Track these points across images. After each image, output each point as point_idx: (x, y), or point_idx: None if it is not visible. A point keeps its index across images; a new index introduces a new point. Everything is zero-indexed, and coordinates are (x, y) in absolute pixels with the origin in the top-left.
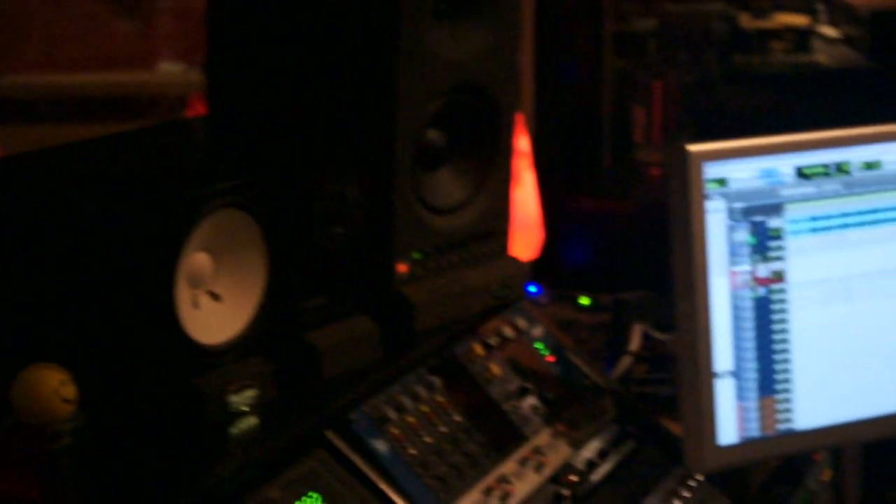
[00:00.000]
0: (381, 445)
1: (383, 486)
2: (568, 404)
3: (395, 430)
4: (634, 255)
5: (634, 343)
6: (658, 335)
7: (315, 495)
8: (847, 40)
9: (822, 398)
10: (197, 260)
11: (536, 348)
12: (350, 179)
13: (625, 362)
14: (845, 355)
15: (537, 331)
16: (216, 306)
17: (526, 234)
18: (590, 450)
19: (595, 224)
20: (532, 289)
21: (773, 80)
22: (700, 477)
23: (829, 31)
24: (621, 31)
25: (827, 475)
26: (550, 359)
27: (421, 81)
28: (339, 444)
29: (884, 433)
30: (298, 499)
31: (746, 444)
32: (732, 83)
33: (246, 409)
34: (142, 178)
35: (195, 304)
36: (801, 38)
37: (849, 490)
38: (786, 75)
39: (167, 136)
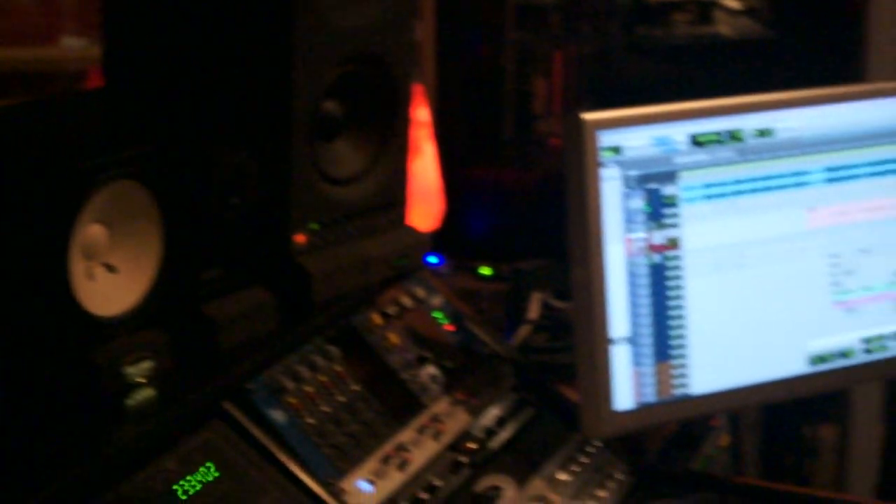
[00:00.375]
0: (278, 415)
1: (281, 456)
2: (467, 373)
3: (292, 400)
4: (535, 224)
5: (533, 311)
6: (557, 303)
7: (212, 466)
8: (749, 12)
9: (717, 363)
10: (91, 231)
11: (435, 317)
12: (247, 150)
13: (523, 331)
14: (739, 321)
15: (436, 300)
16: (112, 278)
17: (426, 205)
18: (488, 417)
19: (496, 194)
20: (433, 259)
21: (674, 51)
22: (597, 443)
23: (731, 2)
24: (524, 3)
25: (725, 440)
26: (449, 328)
27: (317, 51)
28: (237, 414)
29: (778, 397)
30: (195, 470)
31: (642, 409)
32: (634, 55)
33: (142, 380)
34: (34, 148)
35: (90, 276)
36: (704, 9)
37: (746, 455)
38: (687, 46)
39: (62, 108)
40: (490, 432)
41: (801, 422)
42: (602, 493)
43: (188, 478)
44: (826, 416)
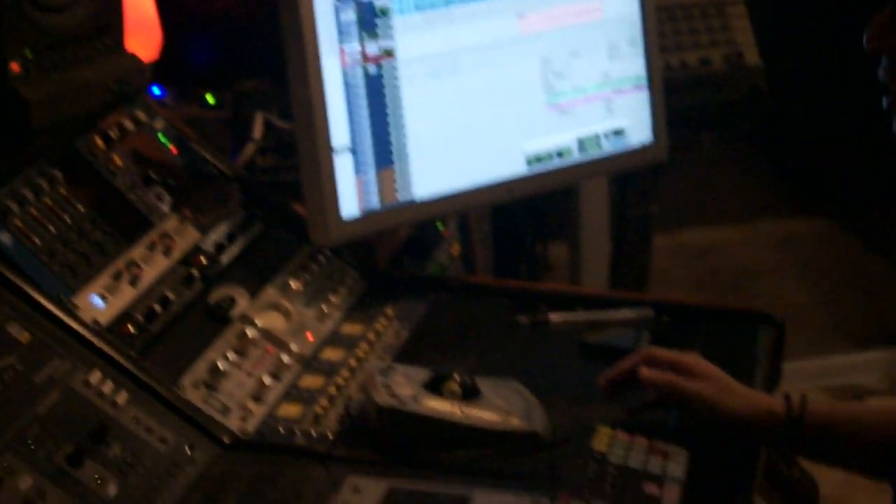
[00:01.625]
0: (4, 237)
1: (10, 276)
2: (193, 192)
3: (17, 222)
4: (255, 48)
5: (257, 131)
6: (280, 123)
7: None
8: None
9: (437, 168)
10: None
11: (159, 140)
12: None
13: (248, 150)
14: (457, 126)
15: (159, 123)
16: None
17: (143, 35)
18: (218, 233)
19: (214, 20)
20: (156, 91)
21: None
22: (327, 252)
23: None
24: None
25: (456, 249)
26: (173, 150)
27: None
28: None
29: (499, 198)
30: None
31: (368, 215)
32: None
33: None
34: None
35: None
36: None
37: (478, 262)
38: None
39: None
40: (220, 247)
41: (534, 241)
42: (335, 299)
43: None
44: (557, 235)
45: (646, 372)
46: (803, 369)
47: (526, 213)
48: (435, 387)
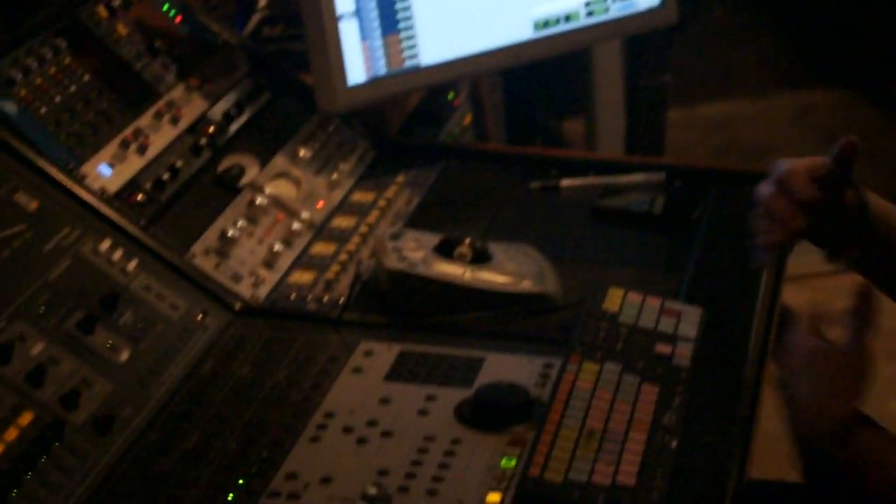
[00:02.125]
0: (9, 107)
1: (16, 145)
2: (199, 61)
3: (23, 92)
4: None
5: (262, 0)
6: None
7: None
8: None
9: (444, 33)
10: None
11: (162, 9)
12: None
13: (254, 19)
14: None
15: None
16: None
17: None
18: (225, 103)
19: None
20: None
21: None
22: (337, 121)
23: None
24: None
25: (468, 119)
26: (178, 19)
27: None
28: None
29: (505, 63)
30: None
31: (375, 81)
32: None
33: None
34: None
35: None
36: None
37: (490, 132)
38: None
39: None
40: (228, 117)
41: (547, 116)
42: (345, 167)
43: None
44: (572, 111)
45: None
46: None
47: (539, 88)
48: (445, 251)
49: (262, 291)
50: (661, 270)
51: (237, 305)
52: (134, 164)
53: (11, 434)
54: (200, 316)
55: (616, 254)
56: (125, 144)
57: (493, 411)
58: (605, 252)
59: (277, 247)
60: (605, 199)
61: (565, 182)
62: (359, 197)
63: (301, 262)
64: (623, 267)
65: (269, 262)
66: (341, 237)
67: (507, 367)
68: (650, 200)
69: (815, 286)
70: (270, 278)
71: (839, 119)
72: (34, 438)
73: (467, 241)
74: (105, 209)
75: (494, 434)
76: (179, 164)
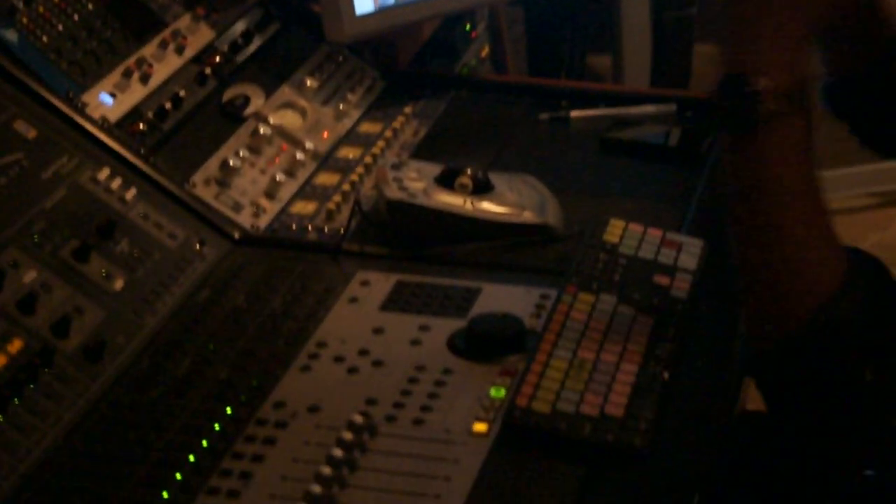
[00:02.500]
0: (10, 35)
1: (16, 73)
2: None
3: (24, 20)
4: None
5: None
6: None
7: None
8: None
9: None
10: None
11: None
12: None
13: None
14: None
15: None
16: None
17: None
18: (233, 32)
19: None
20: None
21: None
22: (346, 52)
23: None
24: None
25: (485, 51)
26: None
27: None
28: None
29: None
30: None
31: (383, 10)
32: None
33: None
34: None
35: None
36: None
37: (510, 65)
38: None
39: None
40: (235, 46)
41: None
42: (353, 98)
43: None
44: (598, 46)
45: None
46: (849, 176)
47: (564, 22)
48: (446, 181)
49: (263, 221)
50: (668, 203)
51: (236, 235)
52: (136, 93)
53: (0, 361)
54: (198, 245)
55: (624, 186)
56: (128, 74)
57: (486, 341)
58: (613, 184)
59: (280, 177)
60: (615, 130)
61: (575, 113)
62: (366, 128)
63: (304, 192)
64: (630, 199)
65: (271, 192)
66: (346, 168)
67: (503, 298)
68: (666, 133)
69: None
70: (272, 208)
71: None
72: (23, 365)
73: (468, 171)
74: (104, 137)
75: (486, 364)
76: (183, 93)
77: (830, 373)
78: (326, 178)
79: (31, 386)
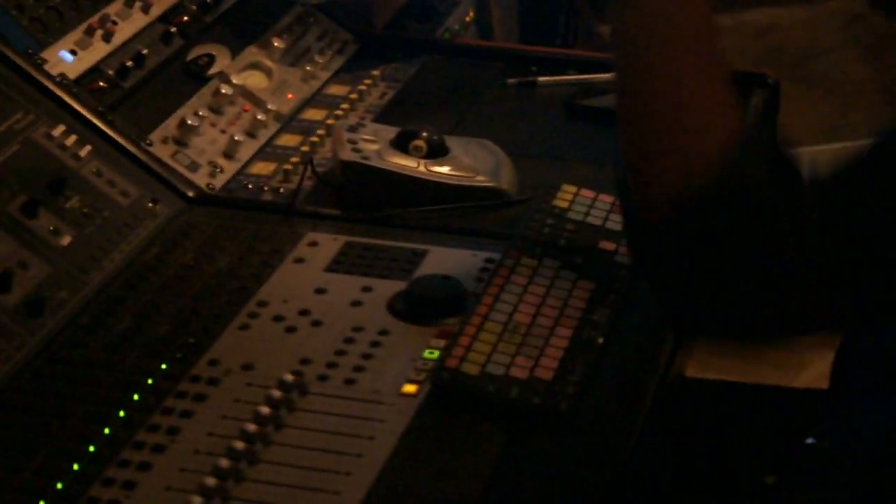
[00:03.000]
0: None
1: None
2: None
3: None
4: None
5: None
6: None
7: None
8: None
9: None
10: None
11: None
12: None
13: None
14: None
15: None
16: None
17: None
18: None
19: None
20: None
21: None
22: (319, 14)
23: None
24: None
25: (470, 15)
26: None
27: None
28: None
29: None
30: None
31: None
32: None
33: None
34: None
35: None
36: None
37: (496, 30)
38: None
39: None
40: (205, 5)
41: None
42: (322, 60)
43: None
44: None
45: None
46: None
47: None
48: (401, 144)
49: (220, 181)
50: None
51: (191, 194)
52: (98, 50)
53: None
54: (151, 203)
55: (585, 152)
56: (90, 31)
57: (424, 303)
58: (575, 150)
59: (239, 137)
60: (581, 97)
61: (542, 79)
62: (333, 90)
63: (264, 153)
64: (590, 166)
65: (230, 152)
66: (308, 129)
67: (448, 261)
68: None
69: None
70: (230, 168)
71: (892, 24)
72: None
73: (423, 134)
74: (61, 94)
75: (424, 326)
76: (146, 52)
77: (741, 234)
78: (288, 140)
79: None
